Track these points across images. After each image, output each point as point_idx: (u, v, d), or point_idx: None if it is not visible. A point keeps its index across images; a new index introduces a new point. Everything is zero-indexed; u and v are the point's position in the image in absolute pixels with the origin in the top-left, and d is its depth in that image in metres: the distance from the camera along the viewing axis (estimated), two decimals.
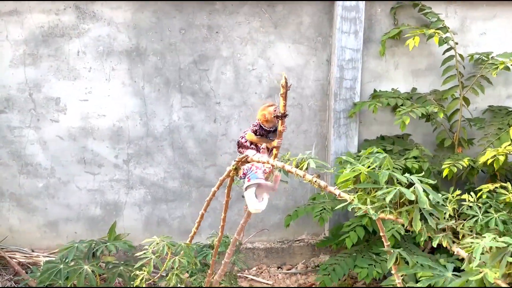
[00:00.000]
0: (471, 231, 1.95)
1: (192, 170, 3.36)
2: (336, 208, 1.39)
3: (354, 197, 1.32)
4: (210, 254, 2.34)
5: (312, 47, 3.32)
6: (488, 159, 2.81)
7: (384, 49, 3.32)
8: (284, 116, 1.70)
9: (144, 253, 1.93)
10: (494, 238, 1.16)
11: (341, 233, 3.18)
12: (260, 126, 1.82)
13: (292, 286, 3.25)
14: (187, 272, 2.30)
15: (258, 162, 1.71)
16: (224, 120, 3.31)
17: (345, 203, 1.36)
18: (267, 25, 3.22)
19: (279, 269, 3.43)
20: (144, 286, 1.87)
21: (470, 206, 2.40)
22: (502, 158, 2.72)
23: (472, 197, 2.72)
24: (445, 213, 1.25)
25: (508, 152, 2.75)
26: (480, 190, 2.76)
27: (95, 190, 3.29)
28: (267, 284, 3.20)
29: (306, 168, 1.53)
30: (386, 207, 1.26)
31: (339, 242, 3.24)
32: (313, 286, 3.23)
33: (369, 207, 1.27)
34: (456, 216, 2.05)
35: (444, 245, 1.23)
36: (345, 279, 2.92)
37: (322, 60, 3.35)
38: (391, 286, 2.56)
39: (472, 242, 1.17)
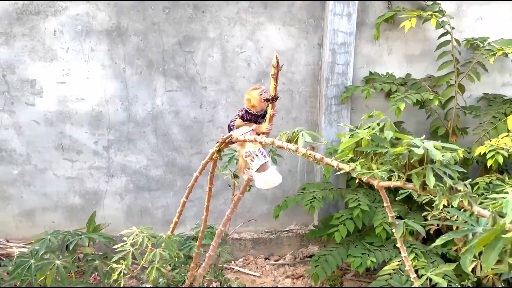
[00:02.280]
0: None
1: (177, 157, 3.20)
2: (338, 172, 1.24)
3: (356, 165, 1.18)
4: (194, 247, 2.21)
5: (303, 30, 3.17)
6: (486, 153, 2.70)
7: (378, 33, 3.19)
8: (275, 99, 1.55)
9: (122, 246, 1.78)
10: None
11: (331, 225, 3.08)
12: (247, 111, 1.68)
13: None
14: (169, 265, 2.17)
15: (244, 141, 1.56)
16: (210, 106, 3.15)
17: (345, 171, 1.22)
18: (257, 5, 3.05)
19: (267, 260, 3.32)
20: (121, 280, 1.73)
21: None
22: (500, 158, 2.60)
23: (466, 187, 2.62)
24: (459, 172, 1.12)
25: (506, 146, 2.65)
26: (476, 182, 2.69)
27: (73, 178, 3.12)
28: (254, 275, 3.08)
29: (296, 142, 1.39)
30: (393, 171, 1.13)
31: (330, 233, 3.14)
32: (302, 278, 3.13)
33: (376, 171, 1.13)
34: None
35: (466, 204, 1.10)
36: (333, 271, 2.82)
37: (314, 43, 3.21)
38: (385, 274, 2.49)
39: (495, 198, 1.03)
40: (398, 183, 1.14)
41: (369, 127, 1.22)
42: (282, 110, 3.25)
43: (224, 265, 3.12)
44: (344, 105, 3.27)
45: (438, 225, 2.92)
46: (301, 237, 3.44)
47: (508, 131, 2.84)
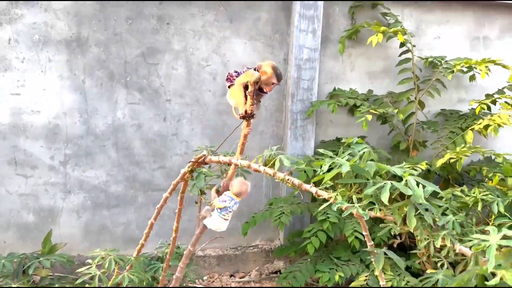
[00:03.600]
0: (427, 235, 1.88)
1: (139, 172, 3.10)
2: (319, 209, 1.22)
3: (337, 195, 1.16)
4: (160, 268, 2.11)
5: (269, 45, 3.18)
6: (446, 161, 2.81)
7: (343, 47, 3.25)
8: (251, 116, 1.51)
9: (87, 269, 1.67)
10: (504, 234, 1.00)
11: (300, 240, 3.06)
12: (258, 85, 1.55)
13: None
14: None
15: (219, 162, 1.51)
16: (175, 119, 3.08)
17: (327, 203, 1.19)
18: (222, 19, 3.04)
19: (232, 277, 3.24)
20: None
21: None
22: (461, 161, 2.71)
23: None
24: (441, 207, 1.12)
25: (466, 154, 2.75)
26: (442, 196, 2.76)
27: (27, 195, 2.94)
28: None
29: (273, 165, 1.36)
30: (374, 203, 1.11)
31: (298, 249, 3.11)
32: None
33: (357, 205, 1.11)
34: None
35: (448, 243, 1.10)
36: (302, 287, 2.80)
37: (279, 58, 3.22)
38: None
39: (478, 239, 1.02)
40: (379, 215, 1.12)
41: (349, 154, 1.21)
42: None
43: (189, 284, 3.01)
44: (309, 120, 3.29)
45: (400, 237, 2.98)
46: (266, 252, 3.40)
47: (465, 143, 2.96)
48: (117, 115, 2.98)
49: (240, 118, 1.52)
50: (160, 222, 3.07)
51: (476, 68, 3.10)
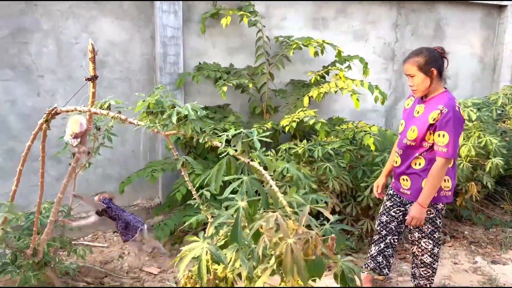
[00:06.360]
0: None
1: (16, 146, 3.30)
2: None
3: (146, 121, 1.65)
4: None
5: (136, 24, 3.54)
6: (288, 122, 3.47)
7: (204, 27, 3.72)
8: (95, 78, 1.92)
9: None
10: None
11: (171, 191, 3.57)
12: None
13: None
14: (14, 237, 2.39)
15: (67, 111, 1.89)
16: (48, 94, 3.33)
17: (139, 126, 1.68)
18: (88, 0, 3.32)
19: (115, 233, 3.66)
20: None
21: (271, 160, 2.99)
22: (294, 124, 3.39)
23: (272, 153, 3.36)
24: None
25: (299, 118, 3.44)
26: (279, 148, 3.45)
27: None
28: (102, 246, 3.41)
29: (108, 107, 1.80)
30: (168, 124, 1.62)
31: (170, 202, 3.63)
32: None
33: (158, 125, 1.61)
34: None
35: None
36: (172, 231, 3.32)
37: (146, 36, 3.61)
38: None
39: None
40: (174, 132, 1.62)
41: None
42: (122, 96, 3.58)
43: (74, 241, 3.37)
44: (178, 91, 3.75)
45: None
46: (147, 209, 3.86)
47: (304, 107, 3.67)
48: None
49: (86, 80, 1.93)
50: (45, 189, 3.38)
51: (316, 45, 3.77)
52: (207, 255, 1.42)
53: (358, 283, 1.42)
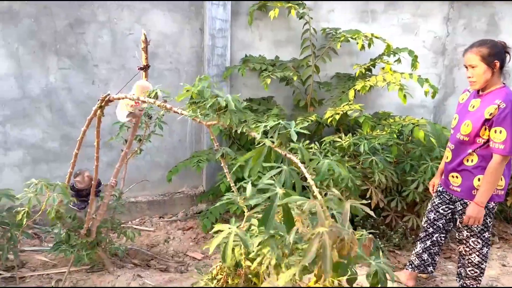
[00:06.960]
0: None
1: (72, 131, 3.49)
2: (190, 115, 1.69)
3: (188, 110, 1.69)
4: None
5: (186, 16, 3.63)
6: (332, 115, 3.46)
7: (252, 18, 3.76)
8: (147, 67, 2.00)
9: (25, 193, 2.10)
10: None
11: (215, 181, 3.65)
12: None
13: None
14: (69, 217, 2.54)
15: (119, 98, 1.98)
16: (103, 83, 3.49)
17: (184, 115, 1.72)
18: None
19: (161, 218, 3.79)
20: (24, 222, 2.07)
21: (314, 153, 3.01)
22: (337, 117, 3.37)
23: (316, 146, 3.36)
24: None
25: (343, 111, 3.42)
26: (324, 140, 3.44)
27: None
28: (149, 230, 3.54)
29: (156, 96, 1.86)
30: (208, 114, 1.65)
31: (214, 191, 3.71)
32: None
33: (199, 113, 1.66)
34: None
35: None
36: (217, 219, 3.41)
37: (196, 28, 3.69)
38: None
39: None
40: (214, 122, 1.65)
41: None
42: (171, 86, 3.69)
43: (122, 225, 3.52)
44: (225, 83, 3.82)
45: None
46: (191, 197, 3.97)
47: (349, 101, 3.64)
48: (50, 79, 3.33)
49: (139, 69, 2.01)
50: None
51: (363, 39, 3.71)
52: (235, 240, 1.41)
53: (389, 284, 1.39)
